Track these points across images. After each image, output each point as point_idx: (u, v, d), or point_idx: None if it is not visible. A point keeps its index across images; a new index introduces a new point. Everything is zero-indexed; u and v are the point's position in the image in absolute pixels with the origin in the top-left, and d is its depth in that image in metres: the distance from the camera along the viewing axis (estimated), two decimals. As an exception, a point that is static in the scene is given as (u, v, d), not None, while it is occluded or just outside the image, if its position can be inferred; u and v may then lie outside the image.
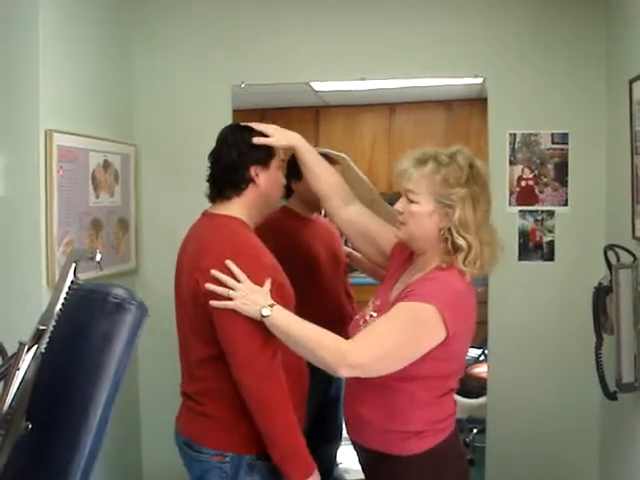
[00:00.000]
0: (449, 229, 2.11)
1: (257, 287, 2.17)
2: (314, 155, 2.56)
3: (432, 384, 2.18)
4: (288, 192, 3.37)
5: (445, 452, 2.21)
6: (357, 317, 2.37)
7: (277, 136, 2.41)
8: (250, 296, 2.13)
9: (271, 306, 2.12)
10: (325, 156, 2.81)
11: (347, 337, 2.17)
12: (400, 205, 2.22)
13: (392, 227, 2.40)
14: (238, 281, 2.16)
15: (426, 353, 2.05)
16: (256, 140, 2.37)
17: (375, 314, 2.26)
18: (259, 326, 2.13)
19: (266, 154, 2.41)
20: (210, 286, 2.16)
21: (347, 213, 2.54)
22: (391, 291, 2.30)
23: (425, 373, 2.11)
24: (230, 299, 2.13)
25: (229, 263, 2.17)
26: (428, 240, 2.17)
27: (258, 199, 2.40)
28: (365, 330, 2.15)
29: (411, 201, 2.17)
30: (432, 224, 2.14)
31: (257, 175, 2.38)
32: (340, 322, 2.66)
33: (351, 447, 2.43)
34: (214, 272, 2.16)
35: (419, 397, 2.16)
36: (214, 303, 2.15)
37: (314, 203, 3.48)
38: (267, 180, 2.41)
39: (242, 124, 2.49)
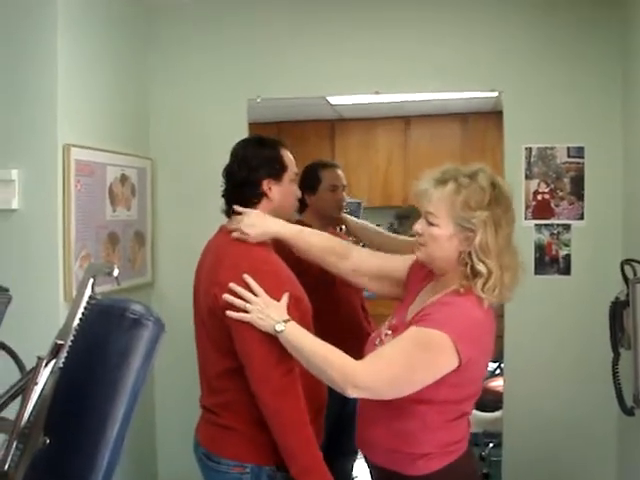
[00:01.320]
0: (469, 253, 2.04)
1: (274, 302, 2.17)
2: (297, 232, 2.48)
3: (446, 408, 2.12)
4: (302, 206, 3.37)
5: (455, 473, 2.16)
6: (373, 335, 2.34)
7: (254, 231, 2.30)
8: (266, 310, 2.14)
9: (285, 321, 2.12)
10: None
11: (362, 352, 2.18)
12: (419, 227, 2.14)
13: (399, 256, 2.45)
14: (255, 295, 2.17)
15: (440, 379, 1.99)
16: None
17: (390, 332, 2.23)
18: (276, 341, 2.13)
19: (278, 167, 2.41)
20: (228, 297, 2.16)
21: (346, 264, 2.48)
22: (407, 310, 2.25)
23: (441, 398, 2.07)
24: (246, 312, 2.14)
25: (247, 277, 2.18)
26: (448, 262, 2.10)
27: (271, 213, 2.41)
28: (375, 352, 2.11)
29: (431, 224, 2.09)
30: (452, 247, 2.07)
31: (270, 189, 2.39)
32: (356, 336, 2.66)
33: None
34: (232, 285, 2.17)
35: (432, 421, 2.11)
36: (230, 314, 2.15)
37: (329, 217, 3.49)
38: (280, 193, 2.42)
39: (253, 137, 2.50)
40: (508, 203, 2.14)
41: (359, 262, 2.49)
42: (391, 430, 2.15)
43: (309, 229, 2.58)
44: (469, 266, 2.04)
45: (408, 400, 2.02)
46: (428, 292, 2.24)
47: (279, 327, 2.10)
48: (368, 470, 2.37)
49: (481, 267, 2.02)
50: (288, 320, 2.13)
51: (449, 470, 2.13)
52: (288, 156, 2.46)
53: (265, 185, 2.38)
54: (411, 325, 2.06)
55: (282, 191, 2.42)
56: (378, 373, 2.01)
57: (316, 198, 3.47)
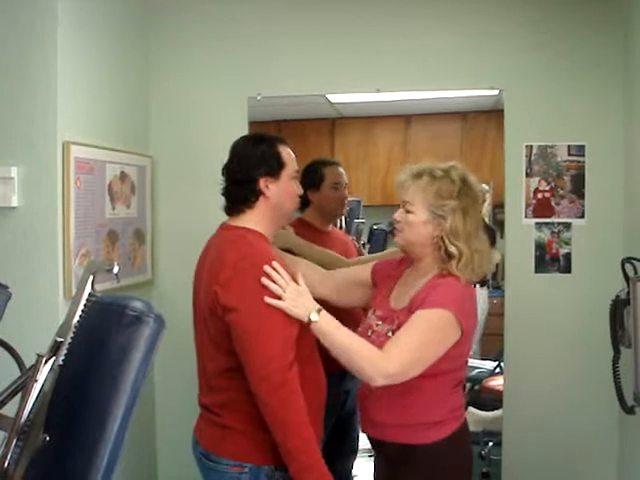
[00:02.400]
0: (442, 238, 2.30)
1: (305, 290, 2.25)
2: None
3: (448, 378, 2.35)
4: (304, 203, 3.36)
5: (462, 435, 2.41)
6: (362, 327, 2.47)
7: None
8: (299, 299, 2.20)
9: (318, 311, 2.21)
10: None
11: None
12: (398, 215, 2.40)
13: (359, 265, 2.80)
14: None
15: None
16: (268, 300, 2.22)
17: (380, 322, 2.40)
18: (275, 339, 2.15)
19: (276, 165, 2.40)
20: (265, 281, 2.18)
21: (321, 290, 2.58)
22: (389, 300, 2.46)
23: (443, 370, 2.28)
24: (279, 299, 2.18)
25: (276, 265, 2.21)
26: (424, 247, 2.36)
27: (270, 210, 2.41)
28: (392, 340, 2.24)
29: (407, 211, 2.36)
30: (426, 232, 2.33)
31: (267, 187, 2.38)
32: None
33: (366, 460, 2.47)
34: (267, 269, 2.19)
35: (438, 392, 2.34)
36: (268, 300, 2.17)
37: (330, 214, 3.49)
38: (278, 191, 2.40)
39: (253, 134, 2.50)
40: (476, 196, 2.42)
41: (329, 281, 2.67)
42: (401, 407, 2.32)
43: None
44: (443, 249, 2.31)
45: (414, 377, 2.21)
46: (407, 280, 2.47)
47: (314, 316, 2.19)
48: (375, 452, 2.50)
49: (453, 249, 2.29)
50: (320, 309, 2.22)
51: (458, 434, 2.37)
52: (287, 153, 2.45)
53: (262, 183, 2.37)
54: (411, 311, 2.27)
55: (280, 189, 2.40)
56: (401, 359, 2.17)
57: (319, 195, 3.48)
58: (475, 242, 2.33)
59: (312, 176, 3.48)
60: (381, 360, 2.16)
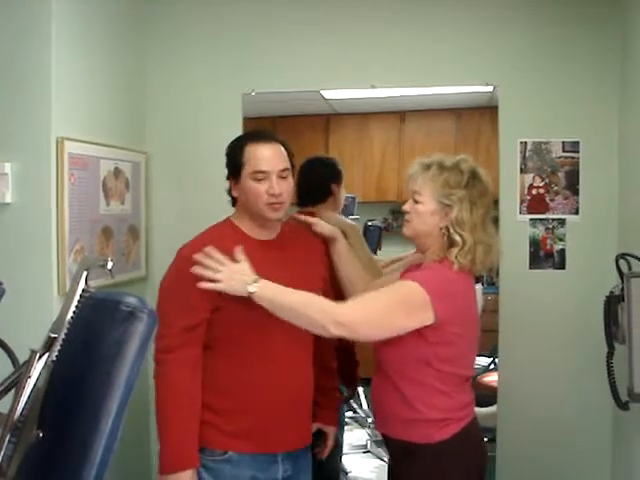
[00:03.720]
0: (447, 227, 2.35)
1: (239, 266, 2.26)
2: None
3: (446, 372, 2.36)
4: (323, 195, 3.41)
5: (470, 434, 2.42)
6: None
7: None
8: (235, 276, 2.22)
9: (255, 281, 2.23)
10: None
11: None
12: (407, 206, 2.44)
13: (389, 276, 2.73)
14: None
15: (420, 335, 2.27)
16: None
17: None
18: (163, 320, 2.11)
19: (234, 166, 2.43)
20: (196, 269, 2.21)
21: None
22: None
23: (430, 357, 2.32)
24: (215, 282, 2.22)
25: (209, 249, 2.24)
26: (431, 237, 2.40)
27: (244, 209, 2.46)
28: (358, 296, 2.38)
29: (416, 201, 2.40)
30: (434, 222, 2.37)
31: (232, 188, 2.46)
32: None
33: (361, 456, 2.54)
34: (196, 256, 2.23)
35: (437, 387, 2.35)
36: (203, 285, 2.21)
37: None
38: (241, 192, 2.43)
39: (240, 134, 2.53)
40: (484, 189, 2.41)
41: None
42: (403, 402, 2.36)
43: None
44: (446, 237, 2.36)
45: (411, 363, 2.34)
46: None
47: (251, 288, 2.21)
48: (388, 450, 2.60)
49: (457, 237, 2.33)
50: (257, 279, 2.23)
51: (465, 432, 2.39)
52: (250, 152, 2.40)
53: (230, 185, 2.46)
54: None
55: (242, 190, 2.43)
56: (360, 312, 2.26)
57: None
58: (480, 233, 2.35)
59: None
60: (334, 307, 2.24)
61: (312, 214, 2.91)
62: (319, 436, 2.74)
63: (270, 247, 2.47)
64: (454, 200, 2.33)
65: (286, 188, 2.41)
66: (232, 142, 2.49)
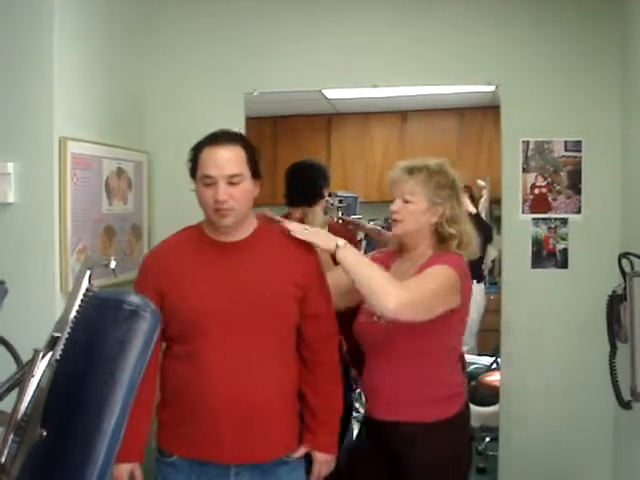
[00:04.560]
0: (440, 223, 2.60)
1: (324, 232, 2.60)
2: None
3: (454, 354, 2.68)
4: (315, 197, 3.47)
5: (467, 409, 2.70)
6: (364, 317, 2.67)
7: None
8: (323, 235, 2.51)
9: (341, 241, 2.42)
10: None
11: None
12: (396, 206, 2.62)
13: None
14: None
15: (447, 320, 2.50)
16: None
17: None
18: None
19: (191, 170, 2.43)
20: (287, 224, 2.48)
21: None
22: None
23: (455, 341, 2.67)
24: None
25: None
26: (422, 234, 2.62)
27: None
28: (406, 281, 2.47)
29: (407, 201, 2.59)
30: (425, 220, 2.60)
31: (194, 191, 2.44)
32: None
33: None
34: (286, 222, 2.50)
35: (454, 365, 2.67)
36: (296, 233, 2.43)
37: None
38: (197, 195, 2.42)
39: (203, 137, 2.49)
40: (460, 186, 2.72)
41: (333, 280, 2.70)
42: (426, 382, 2.57)
43: None
44: (439, 234, 2.61)
45: (437, 348, 2.59)
46: (402, 267, 2.67)
47: (340, 242, 2.41)
48: (389, 439, 2.60)
49: (453, 231, 2.60)
50: (343, 241, 2.43)
51: (466, 404, 2.67)
52: (204, 155, 2.37)
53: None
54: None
55: (197, 193, 2.41)
56: (414, 293, 2.40)
57: (327, 192, 3.63)
58: (467, 225, 2.66)
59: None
60: (398, 286, 2.38)
61: (302, 216, 3.00)
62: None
63: (230, 249, 2.43)
64: (445, 198, 2.59)
65: (237, 194, 2.33)
66: (194, 145, 2.43)
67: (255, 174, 2.40)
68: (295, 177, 3.51)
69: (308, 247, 2.49)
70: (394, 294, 2.33)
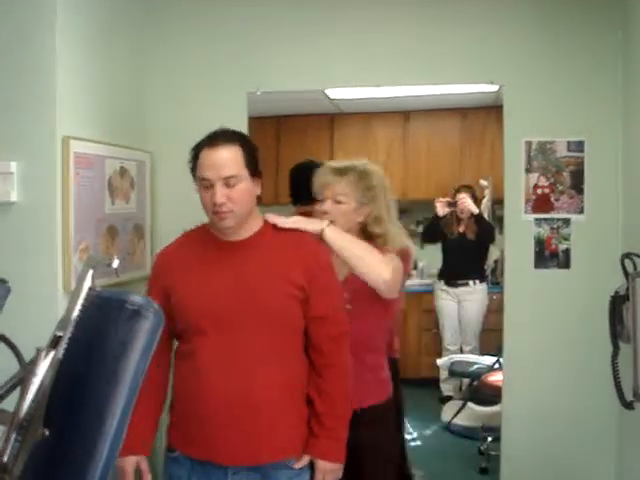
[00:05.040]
0: (367, 223, 2.75)
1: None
2: None
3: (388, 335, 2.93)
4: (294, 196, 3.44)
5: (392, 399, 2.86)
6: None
7: None
8: (306, 219, 2.56)
9: (327, 224, 2.56)
10: None
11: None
12: (328, 206, 2.74)
13: None
14: None
15: (387, 304, 2.69)
16: None
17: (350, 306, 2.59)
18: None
19: (192, 172, 2.43)
20: (271, 219, 2.47)
21: None
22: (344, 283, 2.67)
23: (390, 323, 2.93)
24: None
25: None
26: (351, 231, 2.69)
27: None
28: (383, 257, 2.61)
29: (339, 202, 2.73)
30: (355, 219, 2.74)
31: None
32: None
33: None
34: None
35: (385, 348, 2.87)
36: (285, 224, 2.46)
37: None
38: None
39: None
40: (385, 184, 2.86)
41: None
42: (372, 367, 2.75)
43: None
44: (367, 232, 2.75)
45: (381, 332, 2.83)
46: (341, 267, 2.65)
47: (325, 223, 2.56)
48: (356, 427, 2.54)
49: (378, 230, 2.75)
50: (329, 223, 2.58)
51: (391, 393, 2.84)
52: (201, 157, 2.36)
53: None
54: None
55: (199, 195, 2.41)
56: (392, 271, 2.57)
57: None
58: (392, 224, 2.80)
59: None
60: (387, 263, 2.57)
61: (309, 214, 2.97)
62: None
63: (233, 248, 2.41)
64: (371, 199, 2.75)
65: (235, 196, 2.30)
66: (194, 145, 2.42)
67: (254, 173, 2.37)
68: (300, 177, 3.51)
69: (314, 247, 2.47)
70: (386, 267, 2.54)
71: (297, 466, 2.38)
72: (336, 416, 2.43)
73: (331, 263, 2.49)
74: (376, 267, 2.54)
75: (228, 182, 2.29)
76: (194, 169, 2.38)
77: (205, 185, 2.32)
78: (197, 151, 2.37)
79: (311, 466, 2.43)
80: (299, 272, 2.38)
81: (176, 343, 2.50)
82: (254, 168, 2.37)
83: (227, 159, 2.31)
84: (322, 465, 2.41)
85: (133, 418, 2.36)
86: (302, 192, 3.49)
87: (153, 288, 2.47)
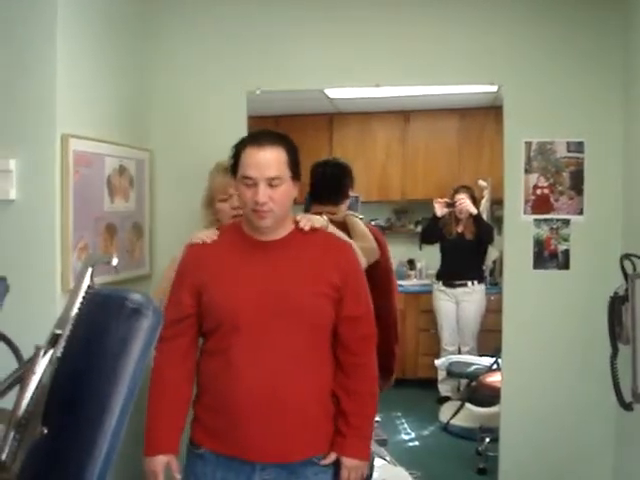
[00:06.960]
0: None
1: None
2: None
3: None
4: (338, 197, 3.41)
5: None
6: None
7: None
8: (312, 216, 2.57)
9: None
10: None
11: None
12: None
13: None
14: None
15: None
16: None
17: None
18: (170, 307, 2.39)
19: (233, 169, 2.41)
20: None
21: None
22: None
23: None
24: None
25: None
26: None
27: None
28: None
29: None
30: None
31: (235, 189, 2.48)
32: None
33: None
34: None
35: None
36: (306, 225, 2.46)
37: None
38: (238, 193, 2.43)
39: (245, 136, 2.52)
40: None
41: None
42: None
43: None
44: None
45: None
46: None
47: (324, 218, 2.60)
48: None
49: None
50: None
51: None
52: (245, 156, 2.34)
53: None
54: None
55: (238, 192, 2.41)
56: None
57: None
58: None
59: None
60: None
61: (332, 214, 3.00)
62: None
63: (267, 248, 2.42)
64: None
65: (277, 196, 2.31)
66: (236, 142, 2.43)
67: (295, 176, 2.40)
68: (322, 175, 3.43)
69: (345, 248, 2.52)
70: None
71: (324, 463, 2.43)
72: (365, 415, 2.49)
73: (360, 263, 2.57)
74: None
75: (271, 182, 2.30)
76: (235, 166, 2.38)
77: (247, 183, 2.31)
78: (240, 148, 2.37)
79: (335, 461, 2.47)
80: (334, 272, 2.40)
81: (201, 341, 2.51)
82: (296, 170, 2.40)
83: (272, 160, 2.32)
84: (349, 462, 2.45)
85: (162, 417, 2.38)
86: (325, 191, 3.41)
87: (183, 283, 2.43)
